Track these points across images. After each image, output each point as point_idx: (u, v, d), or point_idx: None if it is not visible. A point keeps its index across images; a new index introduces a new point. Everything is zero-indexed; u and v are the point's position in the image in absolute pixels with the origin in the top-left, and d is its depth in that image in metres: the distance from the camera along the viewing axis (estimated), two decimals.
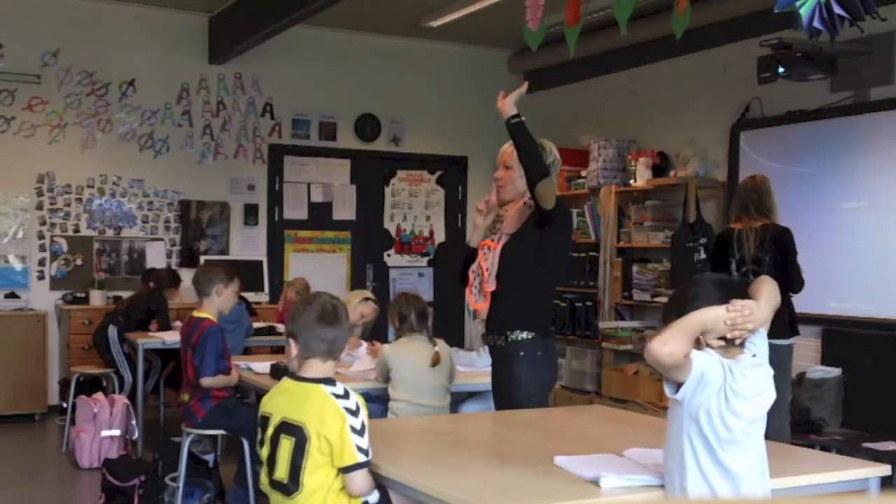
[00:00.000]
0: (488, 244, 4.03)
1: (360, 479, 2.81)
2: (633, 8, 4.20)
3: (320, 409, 2.83)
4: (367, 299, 5.70)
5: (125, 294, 7.52)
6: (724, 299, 2.45)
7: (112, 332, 6.70)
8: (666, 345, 2.35)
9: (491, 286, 3.96)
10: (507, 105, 3.81)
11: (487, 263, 3.99)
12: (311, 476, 2.80)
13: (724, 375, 2.38)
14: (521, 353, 3.89)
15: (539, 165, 3.82)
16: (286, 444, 2.84)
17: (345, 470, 2.80)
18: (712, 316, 2.42)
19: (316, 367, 2.94)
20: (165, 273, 7.32)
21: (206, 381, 4.64)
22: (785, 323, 5.08)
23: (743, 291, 2.51)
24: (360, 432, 2.80)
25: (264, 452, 2.92)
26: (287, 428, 2.85)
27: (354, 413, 2.83)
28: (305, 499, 2.81)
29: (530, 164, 3.83)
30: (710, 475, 2.42)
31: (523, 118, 3.82)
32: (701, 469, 2.42)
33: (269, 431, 2.90)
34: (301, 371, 2.97)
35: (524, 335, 3.89)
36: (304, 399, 2.88)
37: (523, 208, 3.98)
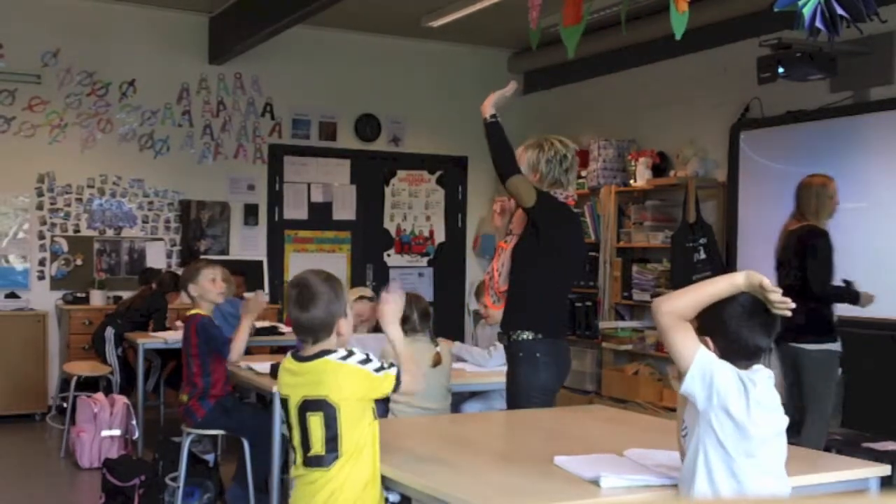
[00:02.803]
0: (502, 245, 4.09)
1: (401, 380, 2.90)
2: (629, 6, 4.22)
3: (336, 378, 2.84)
4: (362, 298, 5.61)
5: (125, 294, 7.52)
6: (759, 324, 2.48)
7: (109, 333, 6.70)
8: (670, 302, 2.41)
9: (502, 286, 4.01)
10: (486, 106, 3.93)
11: (499, 264, 4.03)
12: (348, 441, 2.83)
13: (744, 386, 2.38)
14: (521, 354, 3.92)
15: (505, 164, 3.87)
16: (315, 421, 2.84)
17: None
18: (727, 286, 2.44)
19: (310, 349, 2.94)
20: (169, 276, 7.30)
21: (234, 357, 4.72)
22: (828, 327, 5.03)
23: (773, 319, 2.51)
24: (380, 369, 2.87)
25: (295, 436, 2.92)
26: (310, 405, 2.85)
27: (365, 361, 2.87)
28: (343, 465, 2.82)
29: (497, 162, 3.90)
30: (722, 486, 2.41)
31: (498, 118, 3.92)
32: (712, 479, 2.41)
33: (293, 413, 2.91)
34: (302, 350, 2.96)
35: (525, 335, 3.90)
36: (319, 374, 2.87)
37: None
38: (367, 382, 2.85)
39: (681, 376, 2.42)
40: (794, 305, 2.43)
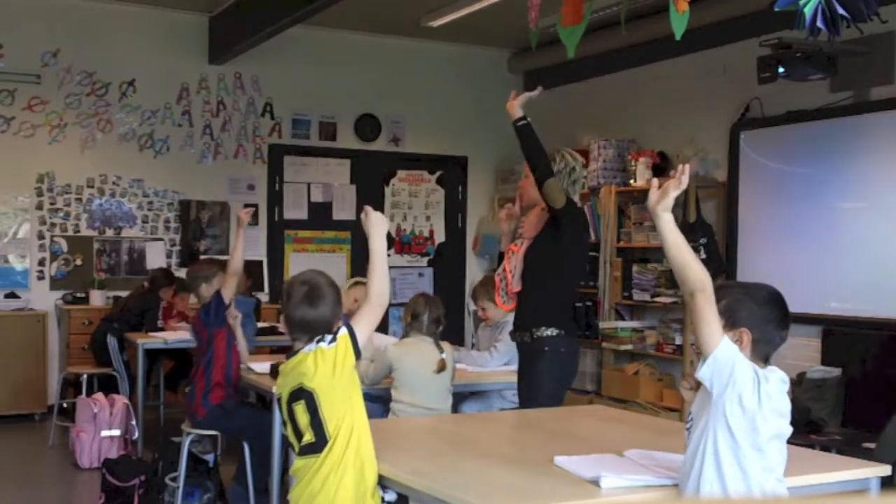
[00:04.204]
0: (512, 248, 4.28)
1: (360, 319, 2.95)
2: (628, 6, 4.28)
3: (304, 365, 2.90)
4: (359, 283, 5.63)
5: (125, 294, 7.52)
6: (780, 315, 2.54)
7: (112, 342, 6.67)
8: (702, 283, 2.46)
9: (516, 287, 4.21)
10: (514, 107, 4.05)
11: (511, 266, 4.23)
12: (332, 422, 2.86)
13: (759, 380, 2.42)
14: (546, 349, 4.12)
15: (543, 167, 4.05)
16: (300, 409, 2.91)
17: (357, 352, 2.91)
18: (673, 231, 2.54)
19: (298, 345, 3.00)
20: (161, 272, 7.26)
21: (243, 357, 4.84)
22: None
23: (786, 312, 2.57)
24: (332, 340, 2.89)
25: (289, 431, 2.98)
26: (293, 396, 2.93)
27: (319, 341, 2.90)
28: (333, 447, 2.85)
29: (534, 165, 4.06)
30: (729, 476, 2.42)
31: (529, 120, 4.04)
32: (720, 468, 2.43)
33: (284, 409, 2.98)
34: (294, 349, 3.02)
35: (549, 332, 4.12)
36: (296, 365, 2.94)
37: (541, 213, 4.22)
38: (325, 358, 2.88)
39: (702, 358, 2.44)
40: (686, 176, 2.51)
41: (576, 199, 4.28)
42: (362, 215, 3.10)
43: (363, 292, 5.33)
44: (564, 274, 4.20)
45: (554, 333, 4.11)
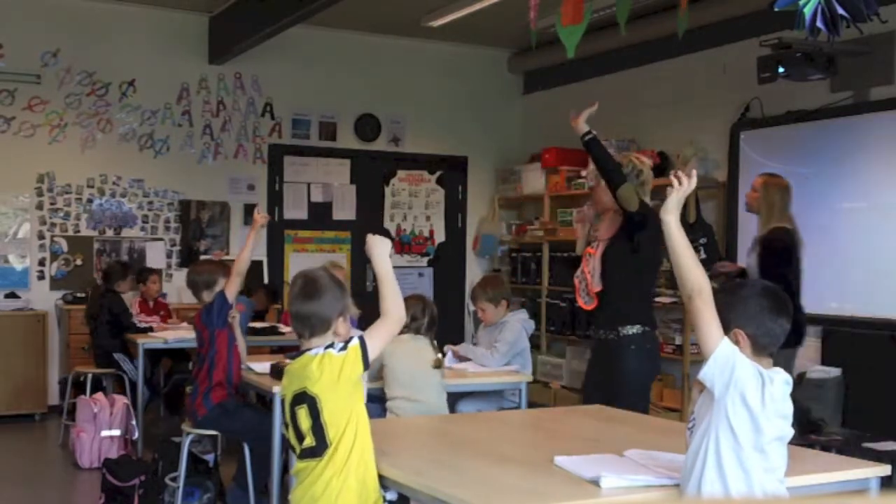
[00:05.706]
0: (589, 251, 4.51)
1: (375, 333, 2.95)
2: (630, 8, 4.33)
3: (310, 369, 2.89)
4: (335, 265, 5.66)
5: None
6: (776, 307, 2.54)
7: (120, 357, 6.62)
8: (698, 284, 2.48)
9: (596, 287, 4.42)
10: (580, 124, 4.38)
11: (590, 268, 4.46)
12: (333, 428, 2.85)
13: (762, 380, 2.42)
14: (633, 347, 4.32)
15: (615, 173, 4.32)
16: (302, 413, 2.90)
17: (365, 359, 2.89)
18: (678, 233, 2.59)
19: (304, 344, 2.99)
20: (115, 266, 7.12)
21: (242, 355, 4.82)
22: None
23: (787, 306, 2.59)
24: (343, 348, 2.88)
25: (291, 433, 2.97)
26: (297, 399, 2.92)
27: (329, 346, 2.90)
28: (335, 454, 2.85)
29: (607, 173, 4.34)
30: (731, 476, 2.42)
31: (595, 133, 4.35)
32: (721, 468, 2.43)
33: (287, 411, 2.97)
34: (300, 349, 3.02)
35: (635, 329, 4.32)
36: (301, 369, 2.93)
37: (614, 216, 4.47)
38: (332, 365, 2.86)
39: (704, 360, 2.44)
40: (692, 178, 2.66)
41: (646, 199, 4.49)
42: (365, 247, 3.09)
43: (340, 275, 5.36)
44: (643, 272, 4.44)
45: (640, 331, 4.32)
